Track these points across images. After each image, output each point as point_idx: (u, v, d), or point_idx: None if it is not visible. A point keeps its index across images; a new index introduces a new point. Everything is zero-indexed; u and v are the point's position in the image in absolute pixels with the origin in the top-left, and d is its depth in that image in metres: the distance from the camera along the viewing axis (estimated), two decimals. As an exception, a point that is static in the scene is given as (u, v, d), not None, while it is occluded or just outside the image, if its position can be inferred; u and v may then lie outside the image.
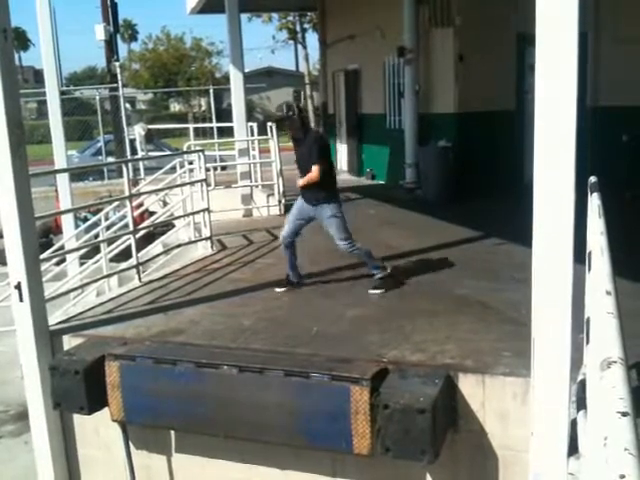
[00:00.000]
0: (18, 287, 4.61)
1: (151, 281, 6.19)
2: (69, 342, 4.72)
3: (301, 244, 5.79)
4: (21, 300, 4.62)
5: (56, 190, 9.69)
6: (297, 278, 5.67)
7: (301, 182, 5.42)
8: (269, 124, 5.80)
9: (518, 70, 10.01)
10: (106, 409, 4.25)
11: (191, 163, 9.06)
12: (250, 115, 11.28)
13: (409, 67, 10.26)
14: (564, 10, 2.61)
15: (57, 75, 8.83)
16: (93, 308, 5.40)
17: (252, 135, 10.23)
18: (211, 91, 21.66)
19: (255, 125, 10.48)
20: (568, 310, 2.76)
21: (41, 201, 10.51)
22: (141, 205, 9.22)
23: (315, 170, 5.27)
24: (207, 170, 8.08)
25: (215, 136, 15.40)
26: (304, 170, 5.39)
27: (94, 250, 7.69)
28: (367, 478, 3.98)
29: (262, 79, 35.21)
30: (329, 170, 5.44)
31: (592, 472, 1.14)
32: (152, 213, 9.48)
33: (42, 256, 5.40)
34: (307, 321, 4.75)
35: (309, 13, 20.98)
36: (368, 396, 3.52)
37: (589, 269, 2.48)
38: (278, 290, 5.54)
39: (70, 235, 8.72)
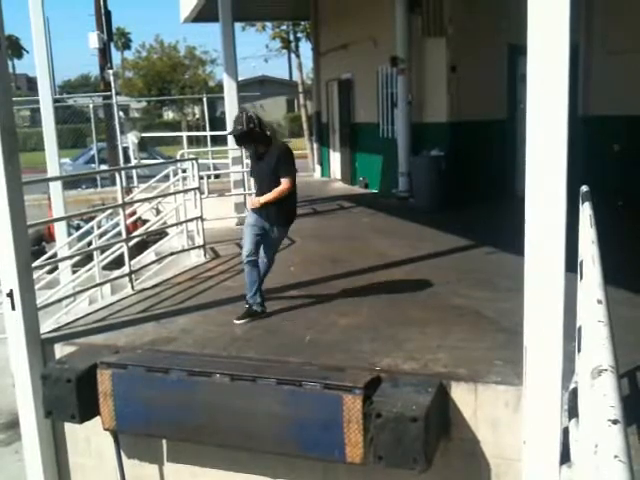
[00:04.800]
0: (10, 295, 4.59)
1: (144, 289, 6.17)
2: (61, 350, 4.70)
3: (292, 252, 5.78)
4: (13, 308, 4.60)
5: (49, 198, 9.66)
6: (262, 306, 5.05)
7: (262, 199, 4.86)
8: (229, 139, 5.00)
9: (510, 80, 10.07)
10: (98, 418, 4.23)
11: (184, 171, 9.07)
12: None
13: (402, 77, 10.31)
14: (556, 21, 2.64)
15: (50, 83, 8.83)
16: (85, 316, 5.38)
17: (245, 143, 10.21)
18: (205, 99, 21.68)
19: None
20: (560, 319, 2.77)
21: (34, 209, 10.49)
22: (134, 213, 9.21)
23: (286, 183, 4.84)
24: (200, 178, 8.08)
25: (209, 144, 15.38)
26: (263, 186, 4.94)
27: (87, 258, 7.66)
28: (360, 487, 3.97)
29: (256, 88, 35.34)
30: (294, 188, 4.99)
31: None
32: (145, 221, 9.47)
33: (34, 264, 5.39)
34: (299, 329, 4.75)
35: (303, 22, 21.01)
36: (361, 405, 3.51)
37: (581, 278, 2.50)
38: (237, 322, 4.93)
39: (63, 243, 8.69)
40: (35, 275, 5.59)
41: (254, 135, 4.83)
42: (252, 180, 5.08)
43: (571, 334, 2.46)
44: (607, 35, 9.51)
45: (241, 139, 4.90)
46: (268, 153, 4.89)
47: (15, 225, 4.53)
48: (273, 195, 4.85)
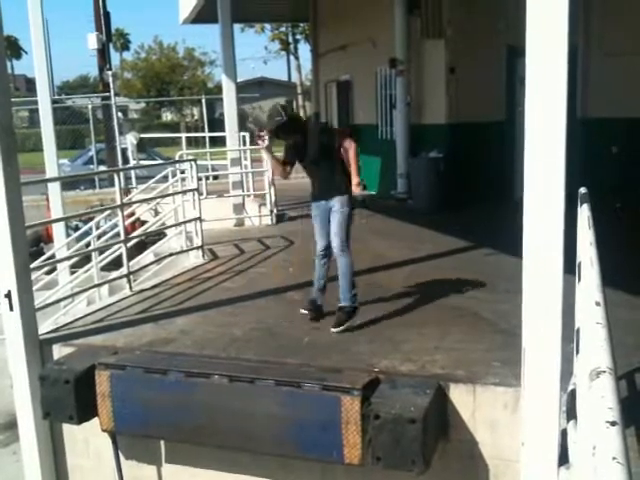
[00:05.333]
0: (8, 296, 4.58)
1: (142, 290, 6.17)
2: (59, 351, 4.69)
3: (291, 253, 5.78)
4: (11, 309, 4.60)
5: (47, 199, 9.65)
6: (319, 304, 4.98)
7: (356, 176, 4.60)
8: (262, 134, 4.70)
9: (508, 82, 10.08)
10: (96, 419, 4.23)
11: (183, 172, 9.06)
12: (242, 125, 11.28)
13: (401, 78, 10.31)
14: (554, 23, 2.64)
15: (49, 84, 8.83)
16: (83, 317, 5.38)
17: (244, 145, 10.24)
18: (203, 101, 21.68)
19: (247, 135, 10.50)
20: (558, 320, 2.77)
21: (32, 209, 10.46)
22: (133, 214, 9.20)
23: (350, 143, 4.61)
24: (199, 179, 8.08)
25: (207, 145, 15.38)
26: (324, 168, 4.76)
27: (85, 259, 7.66)
28: (358, 488, 3.97)
29: (254, 89, 35.34)
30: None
31: (581, 481, 1.14)
32: (144, 222, 9.46)
33: (32, 265, 5.38)
34: (298, 331, 4.75)
35: (301, 24, 21.05)
36: (359, 406, 3.51)
37: (579, 280, 2.50)
38: (303, 311, 5.02)
39: (61, 244, 8.68)
40: (33, 276, 5.58)
41: (294, 123, 4.74)
42: (301, 170, 4.94)
43: (569, 336, 2.46)
44: (605, 37, 9.52)
45: (282, 129, 4.69)
46: (310, 136, 4.74)
47: (13, 226, 4.52)
48: (356, 163, 4.65)
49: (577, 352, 2.03)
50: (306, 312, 4.98)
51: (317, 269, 4.99)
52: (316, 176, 4.85)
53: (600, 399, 1.34)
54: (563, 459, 2.69)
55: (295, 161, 4.92)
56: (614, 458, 1.10)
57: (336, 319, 4.67)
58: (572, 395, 2.62)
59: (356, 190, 4.69)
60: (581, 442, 1.31)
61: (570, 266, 2.81)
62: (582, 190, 3.93)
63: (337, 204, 4.73)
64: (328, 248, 4.84)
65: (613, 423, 1.23)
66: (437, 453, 3.64)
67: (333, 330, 4.60)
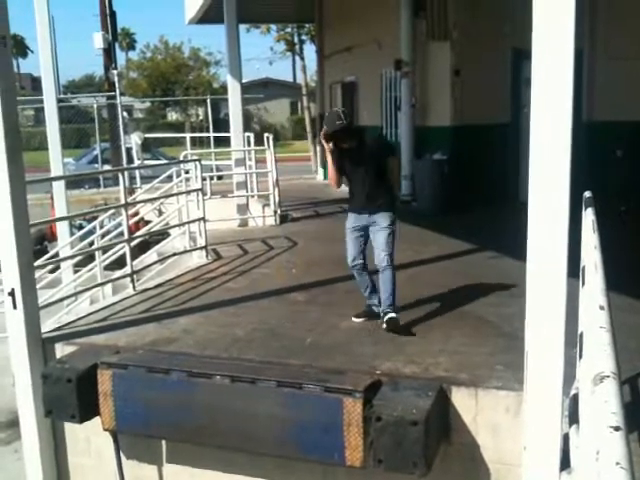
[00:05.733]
0: (12, 294, 4.59)
1: (145, 290, 6.18)
2: (62, 350, 4.70)
3: (295, 254, 5.78)
4: (14, 307, 4.60)
5: (51, 197, 9.67)
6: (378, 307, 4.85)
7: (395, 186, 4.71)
8: (321, 138, 4.59)
9: (514, 84, 10.07)
10: (97, 418, 4.23)
11: (187, 172, 9.07)
12: (247, 125, 11.30)
13: (406, 80, 10.30)
14: (560, 26, 2.64)
15: (55, 83, 8.84)
16: (86, 316, 5.38)
17: (249, 145, 10.24)
18: (208, 101, 21.71)
19: (252, 135, 10.50)
20: (562, 324, 2.77)
21: (36, 208, 10.49)
22: (137, 213, 9.21)
23: (395, 160, 4.65)
24: (203, 179, 8.08)
25: (212, 145, 15.39)
26: (369, 177, 4.70)
27: (88, 258, 7.67)
28: (359, 490, 3.96)
29: (259, 90, 35.39)
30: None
31: (584, 486, 1.14)
32: (147, 222, 9.47)
33: (36, 263, 5.39)
34: (301, 332, 4.74)
35: (307, 25, 21.05)
36: (361, 408, 3.51)
37: (583, 283, 2.49)
38: (355, 320, 4.92)
39: (65, 242, 8.69)
40: (37, 274, 5.59)
41: (354, 129, 4.75)
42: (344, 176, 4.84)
43: (573, 340, 2.45)
44: (611, 41, 9.51)
45: (341, 133, 4.61)
46: (363, 144, 4.73)
47: (17, 224, 4.53)
48: (397, 177, 4.71)
49: (580, 356, 2.02)
50: (360, 320, 4.89)
51: (358, 280, 4.91)
52: (362, 188, 4.76)
53: (603, 404, 1.33)
54: (565, 464, 2.68)
55: (344, 168, 4.83)
56: (617, 463, 1.10)
57: (390, 327, 4.57)
58: (575, 399, 2.61)
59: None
60: (583, 447, 1.30)
61: (574, 270, 2.80)
62: (587, 193, 3.91)
63: (382, 220, 4.72)
64: (360, 259, 4.81)
65: (617, 428, 1.22)
66: (438, 456, 3.63)
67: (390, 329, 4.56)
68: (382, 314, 4.66)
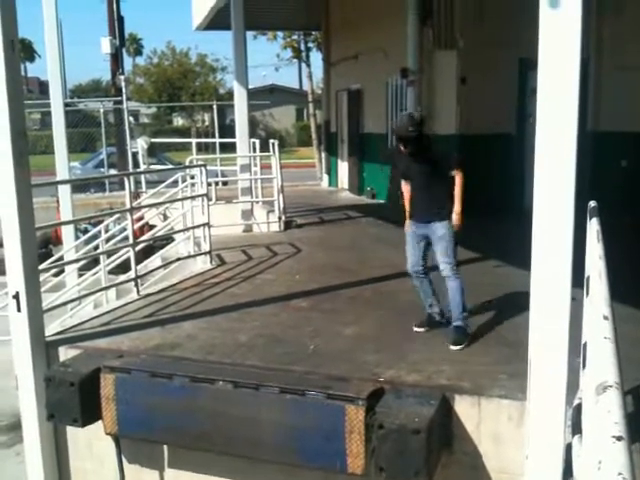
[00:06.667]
0: (16, 297, 4.60)
1: (149, 294, 6.19)
2: (65, 353, 4.71)
3: (299, 260, 5.78)
4: (19, 310, 4.61)
5: (57, 201, 9.70)
6: (441, 316, 4.84)
7: (459, 210, 4.61)
8: (394, 142, 4.48)
9: (520, 94, 10.07)
10: (100, 422, 4.23)
11: (193, 177, 9.10)
12: (253, 131, 11.33)
13: (412, 88, 10.32)
14: (566, 36, 2.65)
15: (62, 87, 8.89)
16: (90, 320, 5.40)
17: (254, 151, 10.27)
18: (214, 107, 21.76)
19: (257, 141, 10.54)
20: (565, 334, 2.77)
21: (42, 211, 10.52)
22: (141, 218, 9.23)
23: (460, 173, 4.59)
24: (208, 185, 8.10)
25: (217, 151, 15.43)
26: (431, 187, 4.67)
27: (93, 262, 7.69)
28: (360, 498, 3.95)
29: (265, 96, 35.46)
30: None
31: (586, 496, 1.14)
32: (152, 226, 9.50)
33: (41, 267, 5.41)
34: (304, 338, 4.74)
35: (314, 32, 21.11)
36: (363, 415, 3.50)
37: (587, 293, 2.49)
38: (417, 330, 4.83)
39: (70, 246, 8.72)
40: (41, 278, 5.60)
41: (425, 135, 4.61)
42: (405, 182, 4.85)
43: (576, 350, 2.44)
44: (617, 51, 9.51)
45: (413, 138, 4.52)
46: (430, 152, 4.64)
47: (23, 227, 4.55)
48: (462, 194, 4.63)
49: (584, 366, 2.01)
50: (421, 330, 4.83)
51: (418, 287, 4.88)
52: (423, 196, 4.74)
53: (606, 413, 1.33)
54: (567, 473, 2.67)
55: (408, 172, 4.81)
56: (620, 473, 1.10)
57: (454, 338, 4.51)
58: (578, 409, 2.60)
59: (456, 220, 4.66)
60: (586, 456, 1.30)
61: (578, 279, 2.80)
62: (591, 203, 3.91)
63: (441, 229, 4.66)
64: (420, 265, 4.80)
65: (619, 438, 1.22)
66: (440, 465, 3.62)
67: (453, 348, 4.43)
68: (451, 324, 4.61)
